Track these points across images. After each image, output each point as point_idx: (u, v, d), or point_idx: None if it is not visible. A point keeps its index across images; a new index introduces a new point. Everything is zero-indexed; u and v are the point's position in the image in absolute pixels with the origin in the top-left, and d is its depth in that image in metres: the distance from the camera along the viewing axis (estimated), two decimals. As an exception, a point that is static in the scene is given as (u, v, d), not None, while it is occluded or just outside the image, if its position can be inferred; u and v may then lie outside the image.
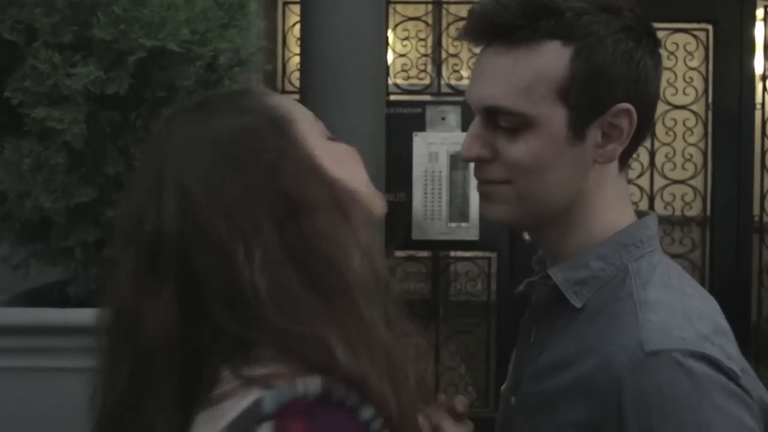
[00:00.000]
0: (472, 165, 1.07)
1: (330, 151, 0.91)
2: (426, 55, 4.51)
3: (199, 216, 0.82)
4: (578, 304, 1.03)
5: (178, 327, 0.82)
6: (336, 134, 0.97)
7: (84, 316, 2.19)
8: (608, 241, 1.04)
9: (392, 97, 4.32)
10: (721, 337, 0.95)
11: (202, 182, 0.83)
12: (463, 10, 4.46)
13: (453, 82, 4.45)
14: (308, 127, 0.92)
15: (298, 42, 4.04)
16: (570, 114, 1.00)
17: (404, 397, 0.79)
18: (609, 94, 1.00)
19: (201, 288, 0.82)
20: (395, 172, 4.03)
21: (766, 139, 4.50)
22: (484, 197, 1.08)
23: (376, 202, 0.95)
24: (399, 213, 4.14)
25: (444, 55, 4.44)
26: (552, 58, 1.00)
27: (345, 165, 0.92)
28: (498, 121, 1.03)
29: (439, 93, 4.44)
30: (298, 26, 4.19)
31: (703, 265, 4.51)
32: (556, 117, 1.01)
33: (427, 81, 4.46)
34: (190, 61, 2.25)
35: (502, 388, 1.23)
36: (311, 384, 0.74)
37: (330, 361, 0.76)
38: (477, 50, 1.08)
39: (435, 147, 4.30)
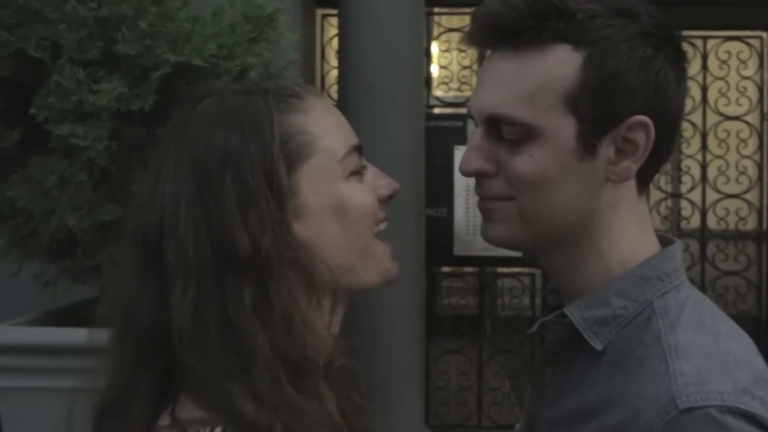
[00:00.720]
0: None
1: (334, 201, 0.90)
2: (467, 67, 4.43)
3: (171, 225, 0.85)
4: (599, 347, 0.92)
5: (159, 315, 0.85)
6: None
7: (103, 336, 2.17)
8: (629, 275, 0.94)
9: (434, 111, 4.24)
10: (763, 387, 0.85)
11: (183, 195, 0.86)
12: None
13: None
14: (325, 165, 0.90)
15: (337, 55, 3.99)
16: (579, 126, 0.90)
17: None
18: (623, 105, 0.90)
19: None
20: (436, 186, 3.95)
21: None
22: (485, 215, 0.98)
23: (372, 269, 0.94)
24: (441, 228, 4.06)
25: (486, 66, 4.35)
26: (560, 63, 0.90)
27: (341, 222, 0.90)
28: (501, 132, 0.93)
29: (481, 105, 4.34)
30: (336, 39, 4.15)
31: (760, 282, 4.32)
32: (564, 128, 0.90)
33: (468, 93, 4.37)
34: (217, 75, 2.21)
35: (516, 427, 1.14)
36: None
37: (236, 413, 0.81)
38: None
39: (477, 160, 4.21)
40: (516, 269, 4.39)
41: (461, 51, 4.41)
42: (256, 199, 0.85)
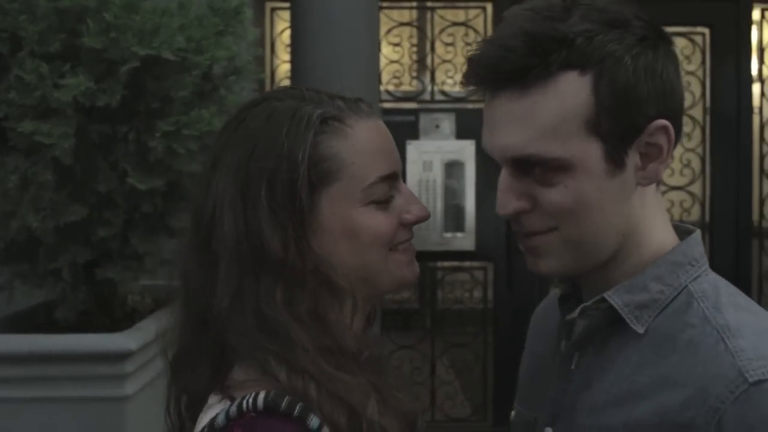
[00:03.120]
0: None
1: (346, 225, 0.96)
2: (418, 62, 4.41)
3: (218, 218, 0.95)
4: (641, 330, 0.96)
5: (209, 290, 0.94)
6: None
7: (75, 342, 2.08)
8: (663, 261, 0.98)
9: (384, 105, 4.21)
10: None
11: (228, 195, 0.95)
12: (453, 15, 4.38)
13: (446, 88, 4.35)
14: (348, 190, 0.96)
15: (287, 48, 3.93)
16: (604, 146, 0.92)
17: (361, 414, 0.90)
18: (641, 115, 0.92)
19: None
20: (389, 182, 3.91)
21: (764, 144, 4.45)
22: (530, 251, 1.00)
23: (387, 279, 1.00)
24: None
25: (437, 60, 4.35)
26: (573, 91, 0.91)
27: (351, 243, 0.96)
28: (529, 169, 0.95)
29: (432, 100, 4.34)
30: (286, 33, 4.08)
31: (703, 272, 4.43)
32: (591, 152, 0.92)
33: (419, 88, 4.36)
34: (186, 70, 2.14)
35: (513, 415, 1.16)
36: (258, 399, 0.86)
37: (271, 378, 0.89)
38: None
39: (429, 155, 4.21)
40: (468, 263, 4.40)
41: (412, 45, 4.39)
42: (282, 214, 0.93)
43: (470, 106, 4.25)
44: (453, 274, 4.49)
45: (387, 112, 4.13)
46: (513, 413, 1.16)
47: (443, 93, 4.34)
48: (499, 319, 4.36)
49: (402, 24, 4.39)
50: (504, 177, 0.97)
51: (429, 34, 4.36)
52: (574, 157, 0.92)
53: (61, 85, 1.97)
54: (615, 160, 0.93)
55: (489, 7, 4.34)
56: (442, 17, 4.37)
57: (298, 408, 0.86)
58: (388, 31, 4.35)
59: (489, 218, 4.25)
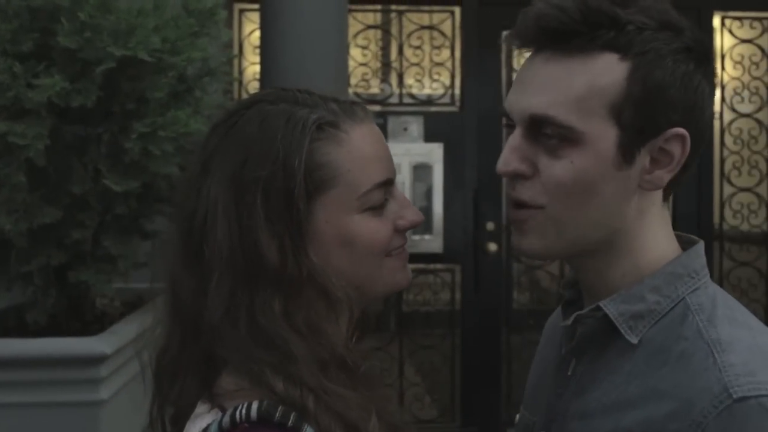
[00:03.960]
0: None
1: (342, 232, 0.94)
2: (386, 65, 4.42)
3: (210, 225, 0.92)
4: (634, 340, 0.96)
5: (199, 299, 0.92)
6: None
7: (48, 346, 2.04)
8: (661, 272, 0.97)
9: (353, 107, 4.20)
10: None
11: (222, 202, 0.92)
12: (421, 18, 4.40)
13: (414, 91, 4.37)
14: (343, 197, 0.94)
15: (255, 50, 3.91)
16: (621, 134, 0.92)
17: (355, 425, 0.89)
18: (665, 117, 0.92)
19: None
20: (357, 184, 3.92)
21: (724, 148, 4.54)
22: (516, 226, 0.99)
23: (382, 284, 0.99)
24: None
25: (405, 64, 4.36)
26: (607, 72, 0.92)
27: (347, 251, 0.95)
28: (542, 134, 0.94)
29: (400, 103, 4.36)
30: (254, 34, 4.06)
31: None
32: (606, 136, 0.92)
33: (387, 91, 4.37)
34: (162, 71, 2.12)
35: (517, 418, 1.16)
36: (251, 408, 0.84)
37: (266, 387, 0.87)
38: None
39: (397, 158, 4.19)
40: (436, 266, 4.41)
41: (381, 48, 4.40)
42: (278, 222, 0.91)
43: (437, 109, 4.28)
44: (421, 276, 4.50)
45: (356, 114, 4.12)
46: (518, 416, 1.16)
47: (411, 96, 4.36)
48: (466, 321, 4.38)
49: (370, 27, 4.40)
50: (515, 136, 0.96)
51: (397, 37, 4.38)
52: (589, 134, 0.92)
53: (35, 85, 1.94)
54: (626, 152, 0.93)
55: (457, 11, 4.38)
56: (410, 20, 4.39)
57: (292, 418, 0.85)
58: (357, 33, 4.35)
59: (457, 221, 4.29)
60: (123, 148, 2.04)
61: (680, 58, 0.92)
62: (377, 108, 4.29)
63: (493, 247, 4.32)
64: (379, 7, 4.53)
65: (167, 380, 0.96)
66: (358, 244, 0.95)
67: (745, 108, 4.56)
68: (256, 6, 3.63)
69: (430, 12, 4.42)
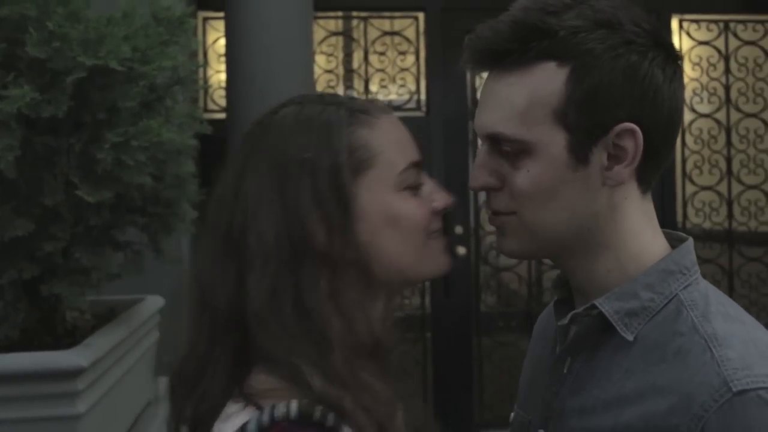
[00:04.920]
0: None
1: (387, 210, 0.97)
2: (351, 71, 4.43)
3: (254, 220, 0.94)
4: (630, 337, 0.98)
5: (236, 297, 0.93)
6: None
7: (23, 361, 2.01)
8: (653, 269, 1.00)
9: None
10: None
11: (265, 193, 0.95)
12: (384, 24, 4.42)
13: (380, 97, 4.39)
14: (384, 176, 0.98)
15: (220, 59, 3.90)
16: (570, 138, 0.95)
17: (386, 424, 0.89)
18: (609, 115, 0.95)
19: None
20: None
21: (685, 148, 4.63)
22: (497, 230, 1.05)
23: (426, 266, 1.02)
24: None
25: (371, 70, 4.38)
26: (546, 81, 0.95)
27: (393, 230, 0.97)
28: (502, 150, 0.99)
29: (366, 109, 4.35)
30: (219, 42, 4.05)
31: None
32: (555, 141, 0.96)
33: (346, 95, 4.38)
34: (132, 80, 2.10)
35: (512, 417, 1.18)
36: (290, 407, 0.85)
37: (304, 386, 0.88)
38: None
39: (365, 164, 4.22)
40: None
41: (346, 55, 4.41)
42: (325, 201, 0.94)
43: (403, 114, 4.30)
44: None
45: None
46: (512, 415, 1.18)
47: (377, 102, 4.37)
48: (437, 325, 4.40)
49: (335, 34, 4.41)
50: (480, 153, 1.02)
51: (362, 43, 4.39)
52: (539, 142, 0.95)
53: (4, 96, 1.91)
54: (578, 154, 0.96)
55: (420, 16, 4.40)
56: (374, 26, 4.41)
57: (330, 417, 0.86)
58: (322, 40, 4.36)
59: (425, 225, 4.30)
60: (95, 158, 2.01)
61: (619, 53, 0.94)
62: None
63: (461, 250, 4.35)
64: (345, 14, 4.55)
65: (190, 382, 0.96)
66: (402, 223, 0.98)
67: (705, 108, 4.66)
68: (220, 14, 3.63)
69: (392, 18, 4.45)
